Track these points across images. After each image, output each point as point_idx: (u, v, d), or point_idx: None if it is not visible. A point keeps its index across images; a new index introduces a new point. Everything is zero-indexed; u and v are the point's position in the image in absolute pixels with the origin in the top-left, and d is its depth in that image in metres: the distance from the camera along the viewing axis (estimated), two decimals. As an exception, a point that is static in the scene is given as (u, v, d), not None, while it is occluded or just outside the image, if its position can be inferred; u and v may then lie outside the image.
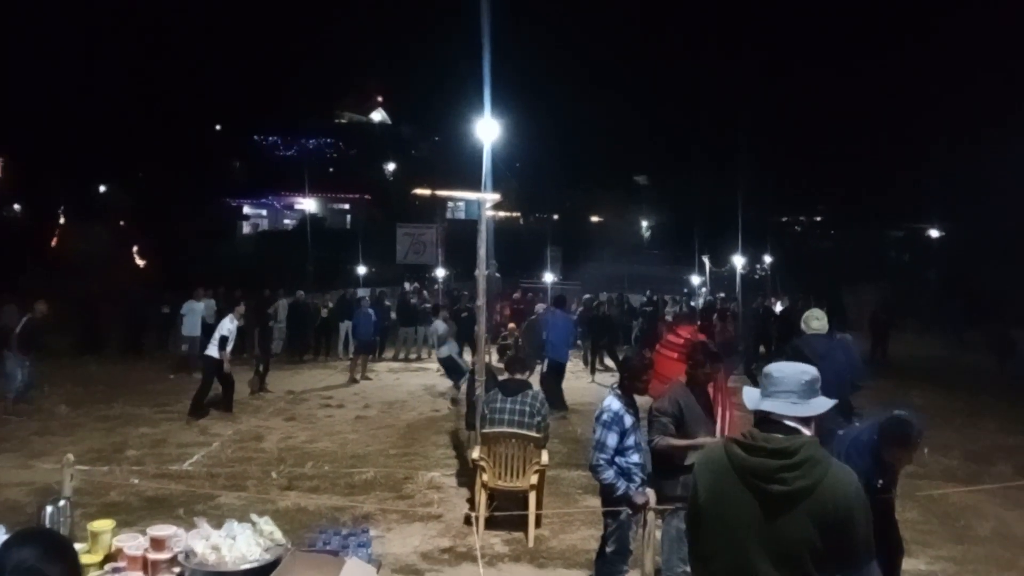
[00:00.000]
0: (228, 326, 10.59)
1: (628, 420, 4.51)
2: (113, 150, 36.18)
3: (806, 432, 2.33)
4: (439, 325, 13.29)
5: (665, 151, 48.93)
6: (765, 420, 2.37)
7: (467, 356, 14.80)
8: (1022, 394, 11.93)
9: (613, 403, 4.54)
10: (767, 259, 35.34)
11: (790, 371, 2.40)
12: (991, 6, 36.69)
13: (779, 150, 43.43)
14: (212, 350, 10.52)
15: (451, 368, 12.53)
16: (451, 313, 19.68)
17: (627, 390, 4.65)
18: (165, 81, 39.63)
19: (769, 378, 2.41)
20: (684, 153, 46.81)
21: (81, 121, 34.06)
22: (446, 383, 14.21)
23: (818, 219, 53.18)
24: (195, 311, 14.46)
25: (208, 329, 12.60)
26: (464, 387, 11.54)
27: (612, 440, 4.43)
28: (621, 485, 4.40)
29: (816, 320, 6.44)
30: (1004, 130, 26.52)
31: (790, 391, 2.35)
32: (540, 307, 14.20)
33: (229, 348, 10.57)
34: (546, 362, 11.65)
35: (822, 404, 2.38)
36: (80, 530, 3.15)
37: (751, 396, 2.45)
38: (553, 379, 11.38)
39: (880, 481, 3.89)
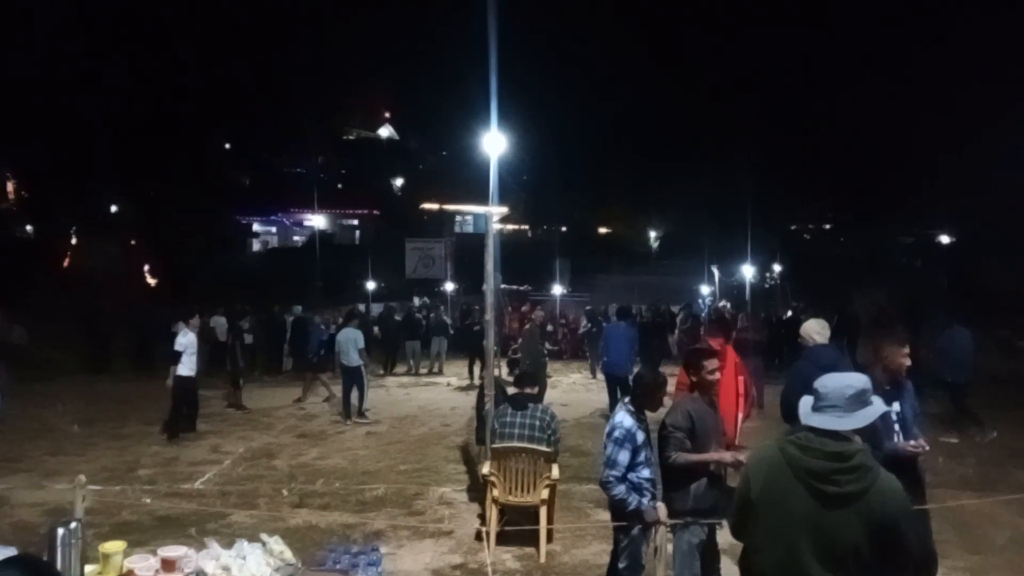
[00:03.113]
0: (182, 340, 10.29)
1: (640, 437, 4.46)
2: (124, 168, 36.54)
3: (857, 440, 2.45)
4: (351, 333, 11.94)
5: (673, 160, 48.91)
6: (815, 427, 2.49)
7: (477, 369, 14.87)
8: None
9: (625, 419, 4.47)
10: (777, 268, 35.21)
11: (833, 385, 2.51)
12: (999, 11, 36.60)
13: (788, 157, 43.32)
14: (182, 369, 10.24)
15: (355, 378, 11.78)
16: (462, 326, 19.70)
17: (639, 406, 4.60)
18: (174, 99, 40.03)
19: (816, 393, 2.53)
20: (692, 162, 46.77)
21: (92, 139, 34.40)
22: (456, 397, 14.23)
23: (827, 226, 52.95)
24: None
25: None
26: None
27: (624, 457, 4.37)
28: (633, 500, 4.35)
29: (818, 334, 6.41)
30: (1013, 133, 26.43)
31: (835, 405, 2.47)
32: (538, 314, 14.09)
33: (192, 362, 10.30)
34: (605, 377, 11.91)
35: (868, 415, 2.49)
36: (92, 551, 3.15)
37: (804, 409, 2.56)
38: (611, 394, 11.30)
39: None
